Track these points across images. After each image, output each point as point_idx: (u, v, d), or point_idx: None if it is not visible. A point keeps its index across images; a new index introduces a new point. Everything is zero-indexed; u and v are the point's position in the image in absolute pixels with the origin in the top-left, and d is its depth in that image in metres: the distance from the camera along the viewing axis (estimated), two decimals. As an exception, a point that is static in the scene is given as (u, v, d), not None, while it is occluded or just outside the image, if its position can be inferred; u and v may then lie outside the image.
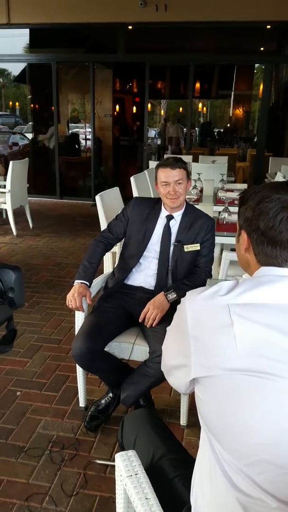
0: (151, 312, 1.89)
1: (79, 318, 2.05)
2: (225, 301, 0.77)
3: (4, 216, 5.46)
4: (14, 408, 2.17)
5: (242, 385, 0.74)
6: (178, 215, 2.08)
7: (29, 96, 9.56)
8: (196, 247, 2.04)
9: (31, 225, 5.64)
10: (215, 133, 11.60)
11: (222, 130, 11.82)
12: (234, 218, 3.02)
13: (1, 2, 6.78)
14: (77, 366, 2.05)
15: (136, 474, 1.00)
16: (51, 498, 1.65)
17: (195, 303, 0.81)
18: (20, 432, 2.00)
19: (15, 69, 9.95)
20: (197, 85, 9.86)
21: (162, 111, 13.69)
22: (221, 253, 2.65)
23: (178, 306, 0.87)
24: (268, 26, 6.72)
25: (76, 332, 2.01)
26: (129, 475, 0.99)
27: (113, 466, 1.76)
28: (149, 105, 7.98)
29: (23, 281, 0.85)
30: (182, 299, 0.86)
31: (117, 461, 1.04)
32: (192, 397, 1.36)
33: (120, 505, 1.05)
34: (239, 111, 12.42)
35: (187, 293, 0.86)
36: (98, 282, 2.21)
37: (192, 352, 0.79)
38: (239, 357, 0.73)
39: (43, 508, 1.61)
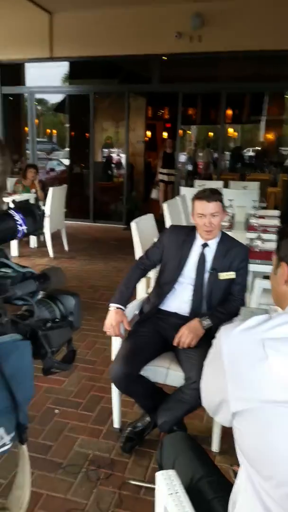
0: (185, 336, 1.95)
1: (116, 343, 2.13)
2: (259, 336, 0.82)
3: (42, 239, 5.71)
4: (53, 425, 2.27)
5: (279, 416, 0.77)
6: (213, 243, 2.15)
7: (67, 125, 9.99)
8: (232, 275, 2.10)
9: (66, 248, 5.85)
10: (246, 158, 11.66)
11: (253, 155, 11.87)
12: (267, 245, 3.06)
13: (45, 38, 7.24)
14: (113, 388, 2.13)
15: (176, 493, 1.06)
16: (88, 515, 1.72)
17: (230, 338, 0.85)
18: (59, 449, 2.09)
19: (52, 98, 10.43)
20: (229, 111, 10.02)
21: (193, 136, 13.87)
22: (253, 281, 2.69)
23: (214, 341, 0.91)
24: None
25: (113, 355, 2.10)
26: (170, 493, 1.05)
27: (147, 488, 1.82)
28: (181, 131, 8.15)
29: (80, 306, 0.95)
30: (217, 335, 0.90)
31: (158, 479, 1.10)
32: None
33: (160, 522, 1.11)
34: (271, 136, 12.47)
35: (222, 328, 0.90)
36: (134, 307, 2.29)
37: (229, 387, 0.83)
38: (275, 389, 0.78)
39: (80, 524, 1.68)
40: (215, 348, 0.90)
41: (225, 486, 1.09)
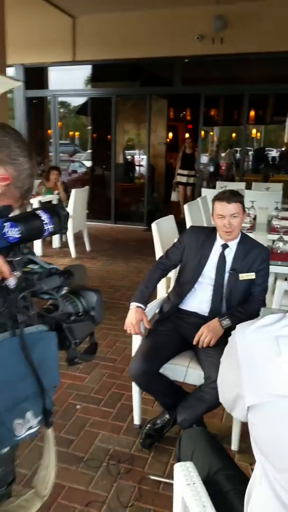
0: (205, 335, 1.98)
1: (136, 340, 2.18)
2: (273, 333, 0.85)
3: (64, 239, 5.83)
4: (75, 420, 2.33)
5: None
6: (233, 244, 2.17)
7: (89, 127, 10.13)
8: (251, 276, 2.11)
9: (88, 249, 5.95)
10: (269, 159, 11.55)
11: (276, 156, 11.74)
12: (288, 247, 3.06)
13: (68, 41, 7.38)
14: (133, 386, 2.18)
15: (193, 483, 1.09)
16: (109, 506, 1.77)
17: (245, 335, 0.89)
18: (80, 443, 2.15)
19: (74, 100, 10.59)
20: (252, 112, 9.95)
21: (215, 137, 13.81)
22: (274, 282, 2.69)
23: (229, 339, 0.94)
24: None
25: (133, 353, 2.14)
26: (187, 483, 1.09)
27: (166, 483, 1.86)
28: (202, 132, 8.12)
29: (102, 301, 1.00)
30: (232, 332, 0.93)
31: (176, 470, 1.14)
32: (243, 423, 1.41)
33: None
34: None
35: (237, 326, 0.93)
36: (153, 306, 2.33)
37: (244, 382, 0.86)
38: (287, 384, 0.80)
39: (101, 516, 1.73)
40: (231, 344, 0.94)
41: (242, 480, 1.11)
